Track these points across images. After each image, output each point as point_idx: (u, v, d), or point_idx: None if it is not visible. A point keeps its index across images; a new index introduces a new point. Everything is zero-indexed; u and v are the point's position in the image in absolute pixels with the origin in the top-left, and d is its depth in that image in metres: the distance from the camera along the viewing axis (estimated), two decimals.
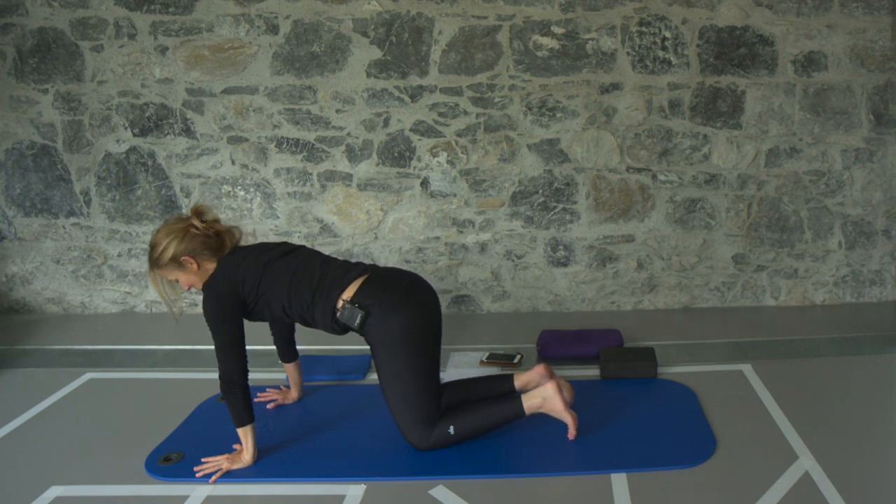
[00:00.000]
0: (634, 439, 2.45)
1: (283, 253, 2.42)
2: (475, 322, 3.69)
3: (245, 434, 2.32)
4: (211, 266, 2.35)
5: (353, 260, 3.73)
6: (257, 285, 2.32)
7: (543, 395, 2.41)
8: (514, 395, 2.46)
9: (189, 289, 2.37)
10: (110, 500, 2.21)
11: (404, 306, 2.33)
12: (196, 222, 2.33)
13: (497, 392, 2.56)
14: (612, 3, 3.45)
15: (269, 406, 2.74)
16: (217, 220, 2.41)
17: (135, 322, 3.79)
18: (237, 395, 2.28)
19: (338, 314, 2.31)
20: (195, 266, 2.33)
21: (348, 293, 2.32)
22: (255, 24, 3.50)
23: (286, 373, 2.78)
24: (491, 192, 3.67)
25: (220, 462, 2.32)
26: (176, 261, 2.30)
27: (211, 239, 2.34)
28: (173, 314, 2.47)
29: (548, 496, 2.19)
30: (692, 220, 3.70)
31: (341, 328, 2.37)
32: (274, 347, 2.72)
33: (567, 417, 2.41)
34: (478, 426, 2.41)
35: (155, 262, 2.33)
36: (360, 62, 3.53)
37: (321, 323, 2.37)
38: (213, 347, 2.32)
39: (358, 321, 2.28)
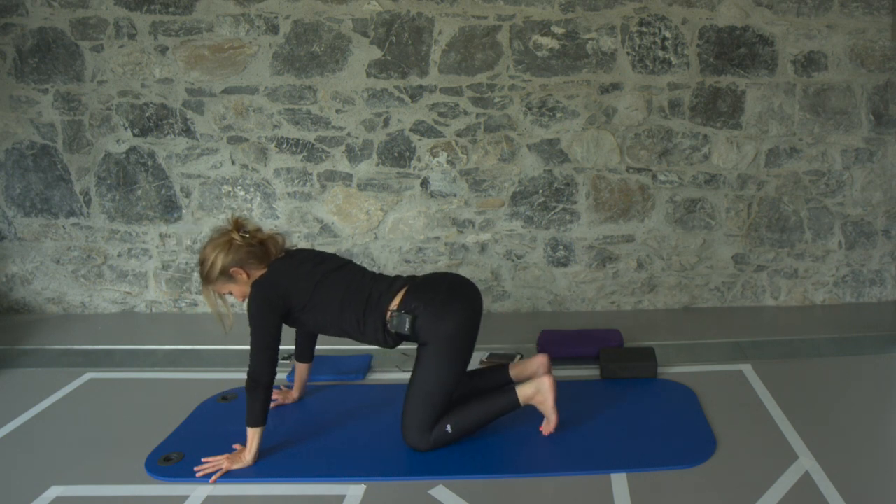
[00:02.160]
0: (634, 439, 2.45)
1: (337, 267, 2.45)
2: None
3: (253, 435, 2.33)
4: (259, 273, 2.38)
5: (355, 260, 3.74)
6: (309, 295, 2.36)
7: (538, 387, 2.42)
8: (510, 387, 2.46)
9: (243, 300, 2.40)
10: (110, 500, 2.21)
11: (451, 304, 2.37)
12: (235, 235, 2.35)
13: (494, 384, 2.58)
14: (612, 3, 3.45)
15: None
16: (258, 230, 2.44)
17: (135, 322, 3.79)
18: (259, 396, 2.30)
19: (388, 325, 2.36)
20: (245, 276, 2.36)
21: (394, 303, 2.37)
22: (255, 24, 3.50)
23: (296, 371, 2.79)
24: (491, 192, 3.67)
25: (219, 462, 2.32)
26: (226, 273, 2.34)
27: (255, 248, 2.37)
28: (224, 327, 2.49)
29: (548, 496, 2.19)
30: (692, 220, 3.70)
31: (394, 339, 2.40)
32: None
33: (553, 416, 2.43)
34: (475, 421, 2.42)
35: (206, 278, 2.36)
36: (360, 62, 3.53)
37: (372, 336, 2.40)
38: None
39: (408, 325, 2.32)
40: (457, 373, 2.39)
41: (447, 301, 2.37)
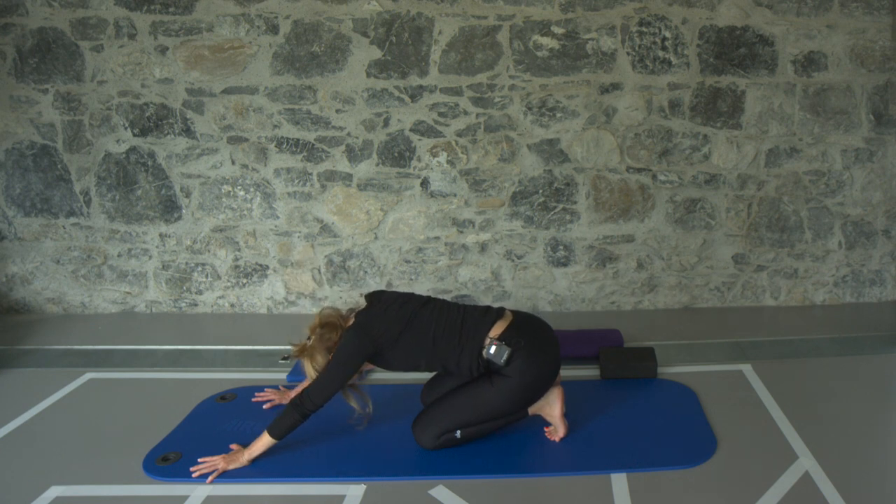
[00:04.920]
0: (634, 439, 2.46)
1: (422, 304, 2.49)
2: None
3: (265, 443, 2.36)
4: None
5: (355, 260, 3.74)
6: (399, 334, 2.39)
7: (547, 398, 2.49)
8: None
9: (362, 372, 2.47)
10: (110, 500, 2.21)
11: (547, 352, 2.43)
12: (301, 351, 2.41)
13: None
14: (612, 3, 3.45)
15: (265, 406, 2.75)
16: (314, 327, 2.45)
17: (135, 322, 3.79)
18: (295, 416, 2.33)
19: (484, 351, 2.37)
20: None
21: (494, 332, 2.40)
22: (255, 24, 3.50)
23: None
24: (491, 192, 3.67)
25: (216, 462, 2.33)
26: (328, 358, 2.38)
27: (324, 329, 2.41)
28: (365, 420, 2.54)
29: (548, 496, 2.19)
30: (692, 220, 3.70)
31: (485, 367, 2.41)
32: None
33: (561, 425, 2.49)
34: (483, 429, 2.46)
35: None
36: (360, 62, 3.53)
37: (466, 367, 2.41)
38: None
39: (505, 357, 2.34)
40: (509, 410, 2.43)
41: (545, 348, 2.43)
